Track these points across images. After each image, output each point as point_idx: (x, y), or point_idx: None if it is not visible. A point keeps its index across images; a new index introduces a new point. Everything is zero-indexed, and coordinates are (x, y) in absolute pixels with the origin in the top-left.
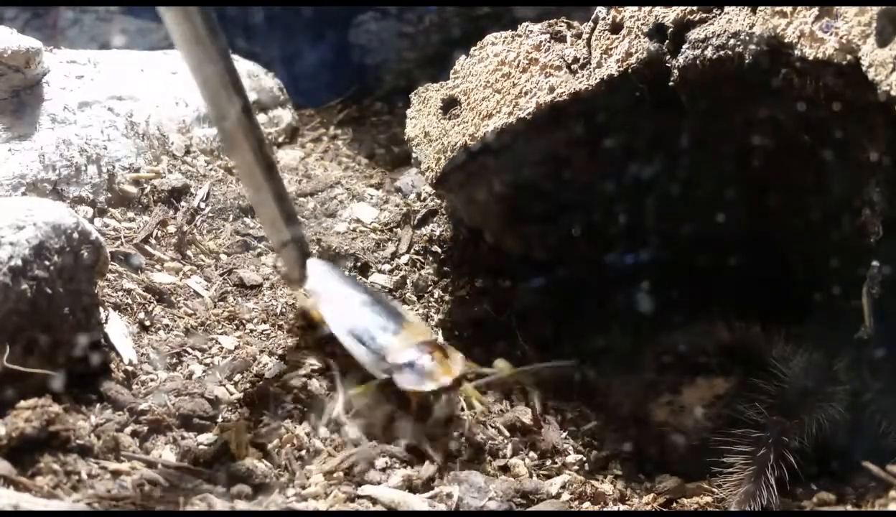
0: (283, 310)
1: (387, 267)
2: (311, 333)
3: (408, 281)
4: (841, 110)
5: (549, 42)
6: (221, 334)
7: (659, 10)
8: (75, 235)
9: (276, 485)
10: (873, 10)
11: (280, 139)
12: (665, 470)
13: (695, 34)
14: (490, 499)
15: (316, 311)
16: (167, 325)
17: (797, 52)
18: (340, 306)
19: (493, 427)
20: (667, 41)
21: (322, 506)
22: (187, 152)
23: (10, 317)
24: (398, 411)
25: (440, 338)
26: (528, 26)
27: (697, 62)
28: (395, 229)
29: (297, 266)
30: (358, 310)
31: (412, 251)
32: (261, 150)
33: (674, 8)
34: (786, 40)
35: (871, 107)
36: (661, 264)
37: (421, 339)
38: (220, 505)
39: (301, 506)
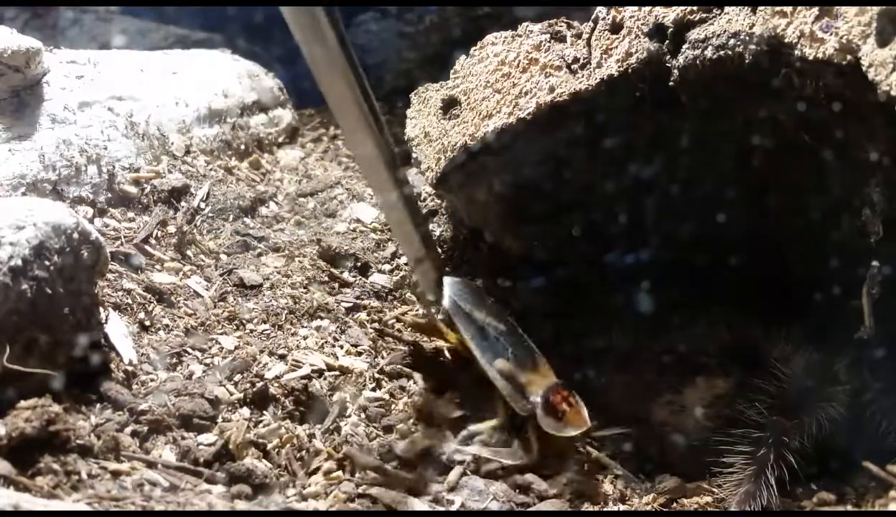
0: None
1: (387, 267)
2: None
3: (408, 281)
4: (841, 110)
5: (549, 42)
6: (221, 334)
7: (659, 10)
8: (75, 235)
9: (276, 485)
10: (873, 10)
11: (280, 139)
12: (665, 470)
13: (695, 34)
14: (491, 500)
15: (451, 332)
16: (167, 325)
17: (797, 52)
18: (480, 333)
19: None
20: (667, 41)
21: (322, 506)
22: (187, 152)
23: (10, 317)
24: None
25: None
26: (528, 26)
27: (697, 62)
28: None
29: (433, 284)
30: (499, 341)
31: None
32: (386, 150)
33: (674, 8)
34: (786, 40)
35: (871, 107)
36: (661, 264)
37: (553, 381)
38: (220, 505)
39: (301, 506)
